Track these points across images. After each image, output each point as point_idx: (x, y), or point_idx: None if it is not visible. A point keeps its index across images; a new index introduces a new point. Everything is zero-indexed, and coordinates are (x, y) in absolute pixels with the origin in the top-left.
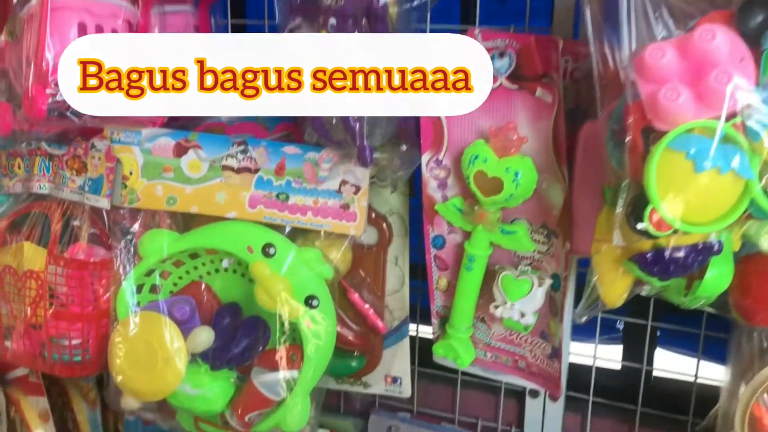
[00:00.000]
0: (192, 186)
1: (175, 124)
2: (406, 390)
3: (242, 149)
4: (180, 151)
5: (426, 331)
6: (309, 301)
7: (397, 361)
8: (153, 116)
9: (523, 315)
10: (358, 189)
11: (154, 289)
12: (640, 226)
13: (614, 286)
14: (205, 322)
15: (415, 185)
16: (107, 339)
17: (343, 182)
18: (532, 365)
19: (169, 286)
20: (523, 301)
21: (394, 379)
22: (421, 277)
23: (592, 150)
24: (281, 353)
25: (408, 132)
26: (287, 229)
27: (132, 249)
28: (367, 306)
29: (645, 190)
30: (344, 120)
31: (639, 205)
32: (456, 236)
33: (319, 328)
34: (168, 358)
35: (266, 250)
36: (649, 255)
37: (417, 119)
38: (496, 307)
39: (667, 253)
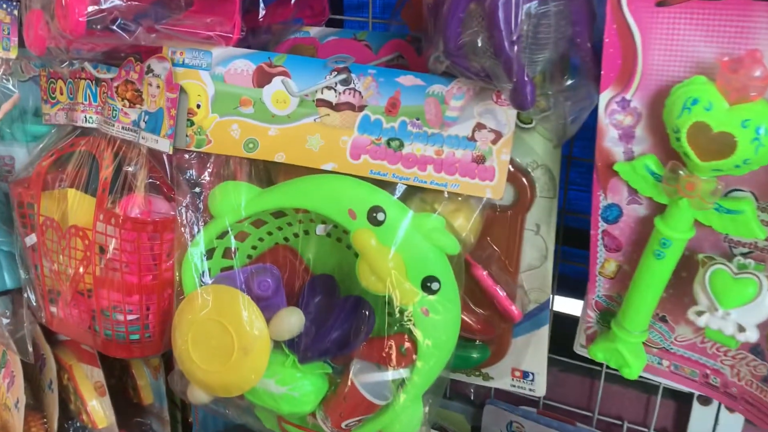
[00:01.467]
0: (277, 126)
1: (254, 41)
2: (539, 388)
3: (343, 78)
4: (262, 78)
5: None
6: (427, 284)
7: (531, 353)
8: (225, 29)
9: (741, 329)
10: (498, 136)
11: (227, 253)
12: None
13: None
14: (290, 298)
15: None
16: (171, 314)
17: (479, 126)
18: (731, 385)
19: (247, 250)
20: (743, 310)
21: (525, 374)
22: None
23: None
24: (389, 346)
25: (582, 58)
26: (399, 188)
27: (201, 205)
28: (497, 288)
29: None
30: (495, 40)
31: None
32: (639, 208)
33: (438, 319)
34: (247, 346)
35: (373, 216)
36: None
37: (596, 40)
38: (700, 313)
39: None
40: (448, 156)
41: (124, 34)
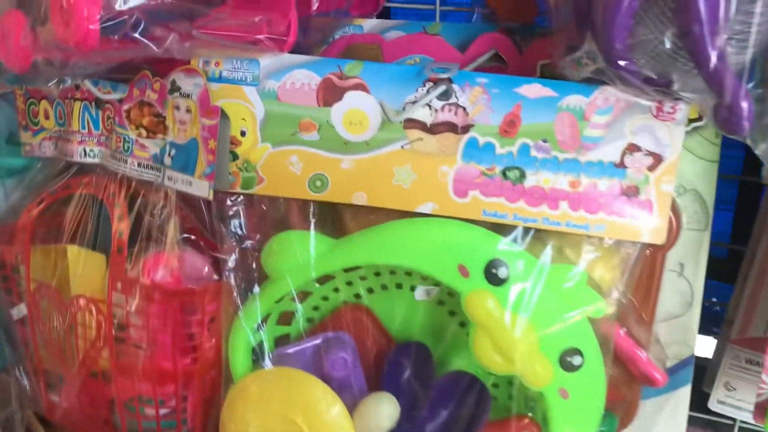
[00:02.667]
0: (352, 156)
1: (304, 41)
2: None
3: (443, 90)
4: (330, 94)
5: None
6: (567, 359)
7: (665, 419)
8: (278, 30)
9: None
10: (657, 160)
11: (284, 317)
12: None
13: None
14: (368, 374)
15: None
16: (216, 400)
17: (630, 148)
18: None
19: (308, 312)
20: None
21: None
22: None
23: None
24: None
25: None
26: (521, 234)
27: (254, 263)
28: (638, 351)
29: None
30: (695, 41)
31: None
32: None
33: (580, 402)
34: None
35: (492, 272)
36: None
37: None
38: None
39: None
40: (587, 188)
41: (152, 44)
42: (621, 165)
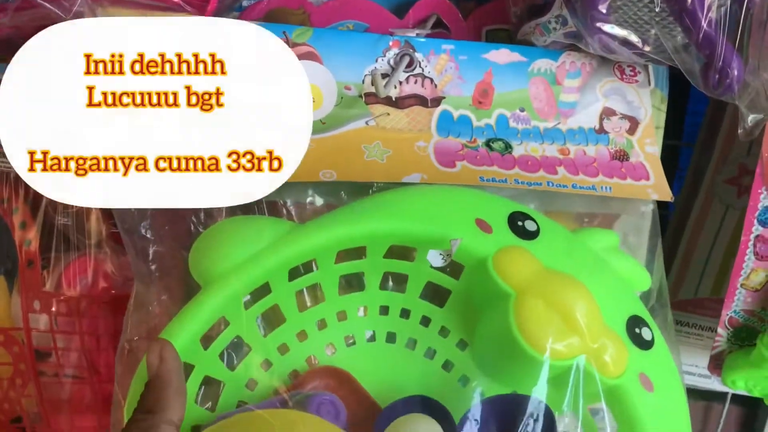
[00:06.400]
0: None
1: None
2: None
3: (405, 60)
4: None
5: None
6: (636, 330)
7: None
8: None
9: None
10: (634, 123)
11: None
12: None
13: None
14: None
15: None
16: None
17: (606, 112)
18: None
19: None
20: None
21: None
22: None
23: None
24: None
25: None
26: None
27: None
28: None
29: None
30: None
31: None
32: None
33: (667, 396)
34: None
35: (518, 225)
36: None
37: None
38: None
39: None
40: (578, 155)
41: (56, 8)
42: (601, 131)
